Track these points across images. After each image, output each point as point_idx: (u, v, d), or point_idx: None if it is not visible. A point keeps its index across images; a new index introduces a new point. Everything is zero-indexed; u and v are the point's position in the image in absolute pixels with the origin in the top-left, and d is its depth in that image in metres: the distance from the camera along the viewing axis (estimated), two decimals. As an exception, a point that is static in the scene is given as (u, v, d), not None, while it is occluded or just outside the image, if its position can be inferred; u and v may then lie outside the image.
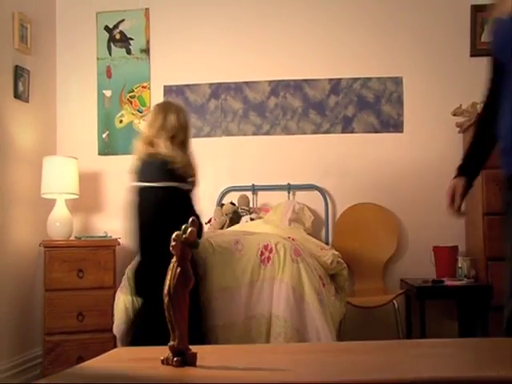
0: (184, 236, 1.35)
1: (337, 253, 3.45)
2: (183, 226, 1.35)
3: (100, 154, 4.54)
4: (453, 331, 4.06)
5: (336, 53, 4.39)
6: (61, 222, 4.01)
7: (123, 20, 4.60)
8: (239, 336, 2.88)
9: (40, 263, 3.97)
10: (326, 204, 4.28)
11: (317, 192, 4.31)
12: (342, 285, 3.52)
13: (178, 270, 1.36)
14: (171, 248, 1.36)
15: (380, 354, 1.51)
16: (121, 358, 1.54)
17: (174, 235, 1.34)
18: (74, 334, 3.87)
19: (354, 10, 4.39)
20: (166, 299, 1.35)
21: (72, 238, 4.07)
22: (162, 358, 1.37)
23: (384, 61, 4.37)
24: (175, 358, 1.35)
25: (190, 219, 1.36)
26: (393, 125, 4.35)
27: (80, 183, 4.18)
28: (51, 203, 4.08)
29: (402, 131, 4.33)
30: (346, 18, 4.40)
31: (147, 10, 4.58)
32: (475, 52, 4.22)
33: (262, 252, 2.95)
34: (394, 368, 1.33)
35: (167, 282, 1.36)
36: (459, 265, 3.85)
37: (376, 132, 4.35)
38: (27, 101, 4.15)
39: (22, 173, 4.06)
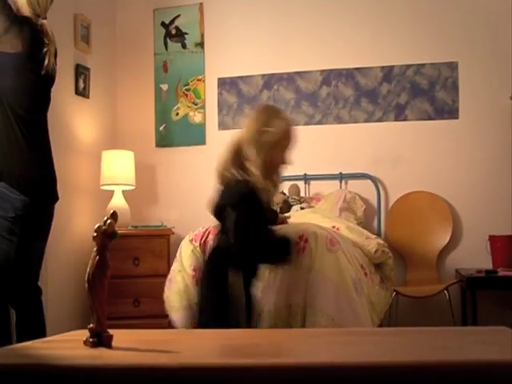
0: (103, 227, 1.45)
1: (382, 242, 3.41)
2: (104, 218, 1.43)
3: (157, 146, 4.70)
4: (507, 322, 3.93)
5: (388, 40, 4.33)
6: (118, 211, 4.17)
7: (179, 15, 4.72)
8: (273, 325, 2.92)
9: (99, 251, 4.17)
10: (379, 193, 4.24)
11: (369, 181, 4.28)
12: (387, 274, 3.48)
13: (97, 258, 1.46)
14: (92, 239, 1.46)
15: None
16: (64, 339, 1.66)
17: (95, 227, 1.44)
18: (131, 319, 4.04)
19: (405, -5, 4.31)
20: (86, 286, 1.46)
21: (129, 227, 4.24)
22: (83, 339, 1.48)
23: (438, 46, 4.27)
24: (91, 339, 1.46)
25: (111, 211, 1.45)
26: (447, 111, 4.25)
27: (138, 174, 4.35)
28: (109, 194, 4.27)
29: (457, 117, 4.23)
30: (396, 3, 4.32)
31: (201, 4, 4.67)
32: (535, 33, 4.05)
33: (297, 242, 2.97)
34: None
35: (87, 270, 1.47)
36: (516, 254, 3.74)
37: (430, 119, 4.26)
38: (88, 97, 4.36)
39: (82, 165, 4.28)
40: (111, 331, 1.48)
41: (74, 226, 4.16)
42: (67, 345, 1.55)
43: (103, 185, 4.24)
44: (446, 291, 3.76)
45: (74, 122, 4.22)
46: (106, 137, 4.59)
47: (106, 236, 1.47)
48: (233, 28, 4.60)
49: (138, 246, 4.12)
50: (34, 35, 2.79)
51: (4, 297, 2.80)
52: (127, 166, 4.26)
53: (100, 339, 1.46)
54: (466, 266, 3.98)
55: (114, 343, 1.46)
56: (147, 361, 1.27)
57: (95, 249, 1.48)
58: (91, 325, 1.48)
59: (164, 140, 4.70)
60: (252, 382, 1.16)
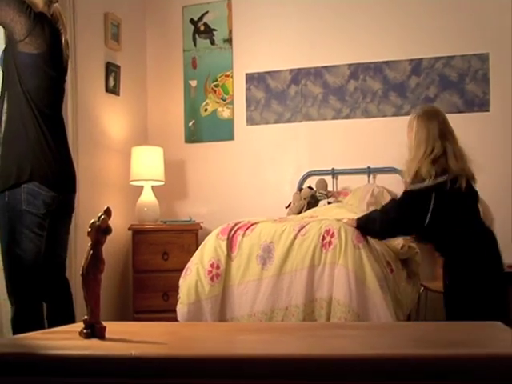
0: (97, 223, 1.50)
1: (408, 237, 3.40)
2: (99, 214, 1.48)
3: (186, 141, 4.75)
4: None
5: (416, 32, 4.29)
6: (148, 207, 4.26)
7: (207, 12, 4.75)
8: (301, 319, 2.94)
9: (129, 246, 4.25)
10: (407, 187, 4.20)
11: (397, 175, 4.25)
12: (414, 270, 3.48)
13: (91, 253, 1.52)
14: (87, 234, 1.53)
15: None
16: (63, 330, 1.76)
17: (90, 222, 1.48)
18: (160, 312, 4.10)
19: (434, -13, 4.26)
20: (81, 280, 1.54)
21: (158, 222, 4.30)
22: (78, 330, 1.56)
23: (468, 37, 4.21)
24: (84, 331, 1.53)
25: (105, 207, 1.50)
26: (478, 104, 4.19)
27: (167, 170, 4.41)
28: (139, 189, 4.33)
29: (488, 110, 4.17)
30: (425, -4, 4.28)
31: (229, 0, 4.69)
32: None
33: (323, 237, 2.97)
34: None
35: (82, 265, 1.54)
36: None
37: (460, 112, 4.21)
38: (118, 94, 4.43)
39: (112, 162, 4.35)
40: (134, 323, 1.55)
41: (104, 221, 4.23)
42: (64, 336, 1.63)
43: (133, 180, 4.31)
44: None
45: (105, 119, 4.29)
46: (136, 133, 4.66)
47: (100, 231, 1.53)
48: (260, 23, 4.61)
49: (167, 241, 4.18)
50: (53, 32, 2.85)
51: (37, 291, 2.87)
52: (156, 162, 4.31)
53: (93, 330, 1.53)
54: (496, 260, 3.93)
55: (108, 335, 1.53)
56: (135, 351, 1.33)
57: (89, 244, 1.54)
58: (86, 317, 1.55)
59: (193, 136, 4.74)
60: (231, 373, 1.21)
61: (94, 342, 1.48)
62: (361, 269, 2.89)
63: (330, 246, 2.96)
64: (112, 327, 1.58)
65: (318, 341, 1.51)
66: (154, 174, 4.30)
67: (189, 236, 4.20)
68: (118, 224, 4.32)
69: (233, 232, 3.17)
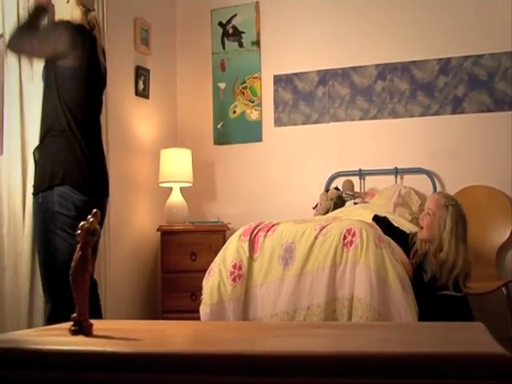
0: (86, 225, 1.56)
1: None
2: (88, 216, 1.53)
3: (215, 143, 4.80)
4: None
5: (444, 31, 4.25)
6: (176, 208, 4.32)
7: (235, 15, 4.81)
8: (323, 318, 2.95)
9: (158, 247, 4.32)
10: (435, 188, 4.17)
11: (425, 176, 4.22)
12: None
13: (79, 254, 1.58)
14: (77, 236, 1.60)
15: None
16: (56, 327, 1.83)
17: (79, 225, 1.54)
18: (189, 312, 4.16)
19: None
20: (70, 279, 1.60)
21: (186, 223, 4.36)
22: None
23: (497, 35, 4.14)
24: (72, 328, 1.60)
25: (94, 210, 1.57)
26: (508, 103, 4.13)
27: (196, 171, 4.47)
28: (168, 191, 4.41)
29: (518, 109, 4.10)
30: (452, -6, 4.24)
31: (257, 3, 4.74)
32: None
33: (344, 236, 2.98)
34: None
35: (72, 264, 1.60)
36: None
37: (489, 111, 4.16)
38: (147, 97, 4.51)
39: (142, 164, 4.43)
40: (161, 322, 1.63)
41: (134, 222, 4.32)
42: (54, 332, 1.71)
43: (162, 182, 4.38)
44: (503, 288, 3.67)
45: (134, 122, 4.38)
46: (166, 136, 4.73)
47: (88, 233, 1.60)
48: (287, 26, 4.64)
49: (195, 242, 4.24)
50: (93, 45, 2.95)
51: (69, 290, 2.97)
52: (185, 164, 4.38)
53: (81, 328, 1.59)
54: (527, 262, 3.88)
55: (97, 332, 1.60)
56: (110, 347, 1.40)
57: (79, 245, 1.61)
58: (74, 314, 1.62)
59: (222, 137, 4.80)
60: (205, 369, 1.26)
61: (79, 338, 1.56)
62: (382, 268, 2.89)
63: (351, 245, 2.97)
64: (103, 325, 1.68)
65: (288, 339, 1.58)
66: (182, 175, 4.37)
67: (216, 237, 4.25)
68: (147, 225, 4.41)
69: (254, 233, 3.21)
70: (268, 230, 3.20)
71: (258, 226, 3.26)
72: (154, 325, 2.02)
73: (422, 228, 3.16)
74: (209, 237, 4.25)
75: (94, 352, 1.35)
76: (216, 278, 3.20)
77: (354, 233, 2.99)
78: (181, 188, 4.41)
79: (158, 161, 4.39)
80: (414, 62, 4.32)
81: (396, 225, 3.38)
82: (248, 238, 3.21)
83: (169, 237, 4.25)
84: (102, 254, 3.67)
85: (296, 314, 3.03)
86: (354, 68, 4.46)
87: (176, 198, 4.36)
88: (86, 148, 2.91)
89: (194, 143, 4.68)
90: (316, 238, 3.05)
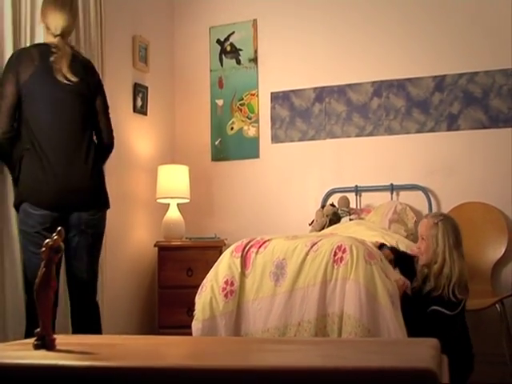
0: (50, 243, 1.60)
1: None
2: (53, 234, 1.56)
3: (213, 159, 4.84)
4: None
5: (439, 49, 4.28)
6: (173, 224, 4.35)
7: (233, 32, 4.86)
8: (314, 334, 2.96)
9: (155, 262, 4.34)
10: (430, 204, 4.19)
11: (421, 192, 4.24)
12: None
13: (43, 271, 1.62)
14: (41, 253, 1.62)
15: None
16: (23, 342, 1.89)
17: (44, 242, 1.57)
18: (185, 328, 4.15)
19: (456, 2, 4.25)
20: (34, 295, 1.63)
21: (183, 239, 4.39)
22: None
23: (492, 53, 4.17)
24: (35, 342, 1.64)
25: (58, 228, 1.61)
26: (503, 120, 4.15)
27: (194, 187, 4.50)
28: (165, 207, 4.44)
29: (513, 126, 4.12)
30: (447, 11, 4.27)
31: (255, 21, 4.79)
32: None
33: (335, 252, 3.00)
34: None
35: (36, 281, 1.64)
36: None
37: (484, 128, 4.18)
38: (146, 114, 4.56)
39: (140, 179, 4.47)
40: (128, 337, 1.66)
41: (131, 237, 4.35)
42: (17, 347, 1.75)
43: (159, 198, 4.41)
44: (498, 305, 3.67)
45: (132, 138, 4.42)
46: (164, 152, 4.77)
47: (52, 250, 1.63)
48: (284, 43, 4.69)
49: (191, 257, 4.26)
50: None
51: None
52: (182, 180, 4.41)
53: (44, 342, 1.63)
54: (523, 278, 3.87)
55: (60, 346, 1.64)
56: (64, 361, 1.44)
57: (43, 262, 1.64)
58: (38, 329, 1.66)
59: (220, 154, 4.83)
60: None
61: (39, 352, 1.60)
62: (372, 284, 2.91)
63: (341, 261, 2.99)
64: (68, 339, 1.73)
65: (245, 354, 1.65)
66: (179, 191, 4.40)
67: (213, 253, 4.25)
68: (145, 240, 4.44)
69: (246, 249, 3.24)
70: (260, 247, 3.22)
71: (249, 242, 3.29)
72: (119, 339, 2.05)
73: (421, 255, 3.18)
74: (205, 253, 4.27)
75: (49, 366, 1.39)
76: (208, 294, 3.22)
77: (345, 249, 3.01)
78: (178, 204, 4.44)
79: (155, 177, 4.43)
80: (409, 79, 4.35)
81: (402, 249, 3.38)
82: (240, 254, 3.24)
83: (166, 252, 4.28)
84: (100, 268, 3.68)
85: (287, 329, 3.04)
86: (350, 85, 4.50)
87: (173, 213, 4.39)
88: (55, 161, 2.90)
89: (192, 159, 4.72)
90: (307, 254, 3.07)
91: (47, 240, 1.65)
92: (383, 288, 2.91)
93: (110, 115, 3.25)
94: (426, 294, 3.10)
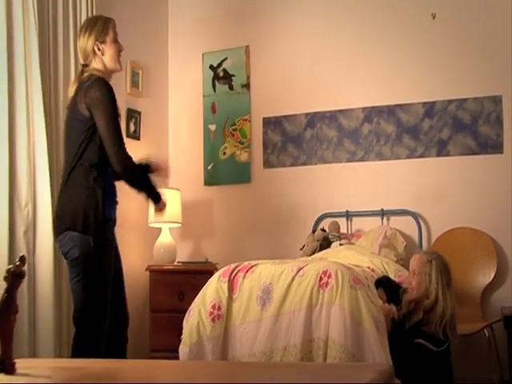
0: (12, 269, 1.64)
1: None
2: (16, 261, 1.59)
3: (206, 184, 4.88)
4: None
5: (429, 75, 4.34)
6: (165, 248, 4.37)
7: (226, 58, 4.93)
8: (299, 358, 2.97)
9: (147, 286, 4.35)
10: (420, 229, 4.21)
11: (410, 217, 4.26)
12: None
13: (5, 296, 1.65)
14: (4, 279, 1.65)
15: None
16: None
17: (6, 268, 1.60)
18: (176, 351, 4.17)
19: (445, 30, 4.32)
20: None
21: (175, 263, 4.40)
22: None
23: (480, 80, 4.23)
24: None
25: (20, 255, 1.66)
26: (491, 146, 4.18)
27: (187, 212, 4.53)
28: (157, 231, 4.46)
29: (501, 152, 4.15)
30: (437, 38, 4.33)
31: (247, 47, 4.86)
32: None
33: (320, 277, 3.02)
34: None
35: None
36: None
37: (473, 154, 4.21)
38: (138, 139, 4.61)
39: (132, 204, 4.48)
40: (58, 360, 1.73)
41: (123, 261, 4.32)
42: None
43: (151, 222, 4.44)
44: (487, 330, 3.67)
45: (125, 162, 4.45)
46: (157, 177, 4.79)
47: (15, 276, 1.66)
48: (277, 69, 4.76)
49: (183, 282, 4.27)
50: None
51: None
52: (174, 205, 4.43)
53: (3, 366, 1.67)
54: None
55: (20, 370, 1.68)
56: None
57: (5, 288, 1.67)
58: None
59: (212, 178, 4.87)
60: None
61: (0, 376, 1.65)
62: (357, 309, 2.92)
63: (327, 286, 3.00)
64: (30, 363, 1.78)
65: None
66: (171, 216, 4.41)
67: (204, 277, 4.20)
68: (137, 264, 4.45)
69: (234, 274, 3.26)
70: (247, 271, 3.25)
71: (237, 266, 3.32)
72: (84, 363, 2.06)
73: (412, 290, 3.18)
74: (196, 277, 4.27)
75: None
76: (195, 318, 3.24)
77: (330, 274, 3.03)
78: (170, 228, 4.47)
79: (147, 202, 4.44)
80: (399, 105, 4.40)
81: (393, 278, 3.41)
82: (227, 278, 3.26)
83: (158, 276, 4.30)
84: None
85: (273, 354, 3.05)
86: (341, 111, 4.55)
87: (165, 238, 4.42)
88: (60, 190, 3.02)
89: (185, 184, 4.76)
90: (293, 279, 3.09)
91: (9, 266, 1.68)
92: (368, 313, 2.92)
93: None
94: (413, 325, 3.10)
